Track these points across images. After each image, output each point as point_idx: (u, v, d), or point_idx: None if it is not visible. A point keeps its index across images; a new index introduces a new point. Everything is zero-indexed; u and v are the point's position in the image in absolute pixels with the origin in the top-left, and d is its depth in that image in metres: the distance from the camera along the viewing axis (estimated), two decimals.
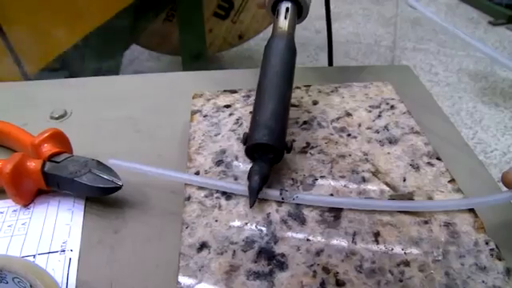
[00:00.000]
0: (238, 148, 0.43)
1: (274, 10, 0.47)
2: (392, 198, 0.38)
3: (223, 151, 0.43)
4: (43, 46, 1.12)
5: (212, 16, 1.86)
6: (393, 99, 0.50)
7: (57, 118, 0.55)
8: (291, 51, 0.43)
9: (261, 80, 0.42)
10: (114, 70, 1.54)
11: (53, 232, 0.40)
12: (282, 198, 0.37)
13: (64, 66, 1.64)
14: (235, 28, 1.93)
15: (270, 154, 0.38)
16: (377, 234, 0.35)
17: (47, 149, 0.43)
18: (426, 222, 0.36)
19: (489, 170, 0.45)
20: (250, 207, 0.37)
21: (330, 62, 0.77)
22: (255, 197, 0.36)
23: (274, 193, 0.37)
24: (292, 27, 0.45)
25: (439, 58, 2.27)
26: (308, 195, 0.38)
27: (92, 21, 1.19)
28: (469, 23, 2.59)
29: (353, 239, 0.34)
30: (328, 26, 0.74)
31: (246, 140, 0.39)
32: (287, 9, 0.46)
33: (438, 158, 0.42)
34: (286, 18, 0.45)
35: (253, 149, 0.38)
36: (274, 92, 0.40)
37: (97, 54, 1.46)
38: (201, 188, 0.39)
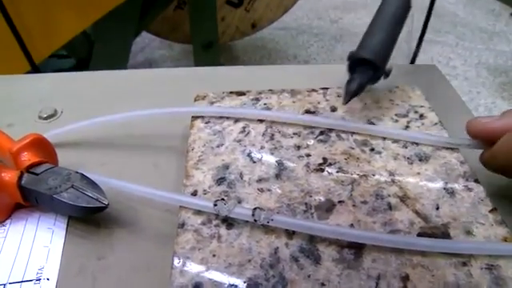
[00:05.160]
0: (243, 163, 0.37)
1: None
2: (423, 231, 0.32)
3: (226, 166, 0.37)
4: (51, 33, 1.07)
5: (225, 4, 1.79)
6: (422, 107, 0.44)
7: (45, 119, 0.49)
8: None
9: (376, 16, 0.47)
10: (123, 58, 1.48)
11: (29, 255, 0.35)
12: (255, 220, 0.31)
13: (71, 53, 1.59)
14: (248, 16, 1.86)
15: (370, 70, 0.42)
16: (405, 278, 0.29)
17: (26, 158, 0.38)
18: (464, 264, 0.30)
19: None
20: (344, 104, 0.42)
21: None
22: (349, 98, 0.41)
23: (245, 212, 0.32)
24: None
25: (457, 51, 2.18)
26: (285, 218, 0.32)
27: (102, 6, 1.13)
28: (489, 15, 2.48)
29: (376, 284, 0.29)
30: None
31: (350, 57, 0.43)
32: None
33: (476, 181, 0.36)
34: None
35: (355, 63, 0.43)
36: (384, 26, 0.45)
37: (105, 41, 1.41)
38: (198, 212, 0.33)
